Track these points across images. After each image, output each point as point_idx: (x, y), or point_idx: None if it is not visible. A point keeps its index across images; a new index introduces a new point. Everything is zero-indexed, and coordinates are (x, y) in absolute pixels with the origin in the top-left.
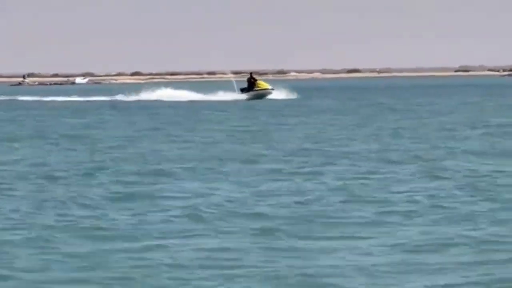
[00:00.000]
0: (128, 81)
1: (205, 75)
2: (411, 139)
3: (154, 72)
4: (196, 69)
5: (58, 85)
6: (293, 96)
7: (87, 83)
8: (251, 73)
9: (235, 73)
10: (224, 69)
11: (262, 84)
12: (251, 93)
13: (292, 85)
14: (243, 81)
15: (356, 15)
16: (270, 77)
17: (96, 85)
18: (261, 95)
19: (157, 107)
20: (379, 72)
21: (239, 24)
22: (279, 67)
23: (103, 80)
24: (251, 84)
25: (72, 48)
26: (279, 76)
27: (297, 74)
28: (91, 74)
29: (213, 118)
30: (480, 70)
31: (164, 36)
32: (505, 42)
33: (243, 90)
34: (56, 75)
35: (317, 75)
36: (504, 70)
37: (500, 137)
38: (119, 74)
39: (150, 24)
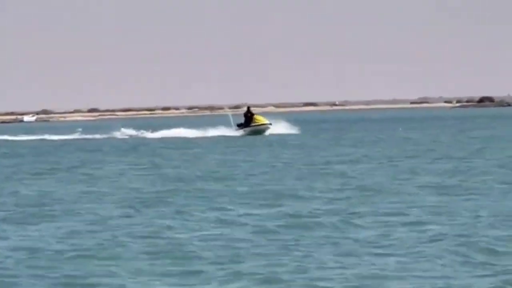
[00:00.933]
0: (80, 118)
1: (158, 111)
2: None
3: (111, 108)
4: (152, 105)
5: (6, 123)
6: (294, 130)
7: (36, 120)
8: (248, 107)
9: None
10: (179, 104)
11: (260, 118)
12: (248, 128)
13: None
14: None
15: (312, 49)
16: (229, 111)
17: (45, 123)
18: (259, 131)
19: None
20: (337, 105)
21: (193, 58)
22: (236, 101)
23: (51, 118)
24: (248, 118)
25: (27, 85)
26: (235, 111)
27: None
28: (46, 112)
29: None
30: (439, 101)
31: (120, 72)
32: (466, 72)
33: (240, 126)
34: (12, 113)
35: (270, 108)
36: (458, 102)
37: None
38: (76, 111)
39: (105, 60)
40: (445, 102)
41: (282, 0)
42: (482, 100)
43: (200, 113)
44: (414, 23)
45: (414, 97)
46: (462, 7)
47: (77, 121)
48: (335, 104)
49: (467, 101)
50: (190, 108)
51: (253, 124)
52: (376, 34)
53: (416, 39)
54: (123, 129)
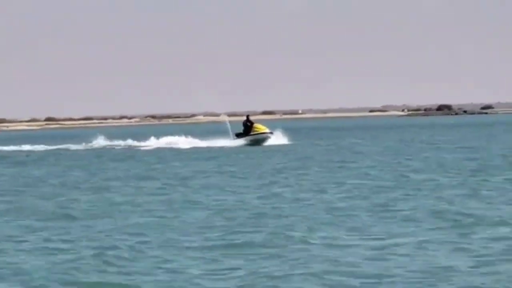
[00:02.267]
0: (23, 127)
1: (117, 119)
2: None
3: (69, 117)
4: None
5: None
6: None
7: None
8: (247, 116)
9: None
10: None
11: (260, 127)
12: (248, 138)
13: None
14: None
15: (271, 57)
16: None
17: None
18: (259, 140)
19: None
20: (300, 113)
21: (151, 70)
22: (189, 111)
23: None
24: (248, 127)
25: None
26: (189, 120)
27: (204, 117)
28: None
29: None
30: (399, 109)
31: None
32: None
33: (238, 135)
34: None
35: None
36: (409, 110)
37: None
38: (32, 120)
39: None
40: (403, 110)
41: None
42: (440, 108)
43: (164, 121)
44: (383, 31)
45: (378, 105)
46: (427, 14)
47: (20, 130)
48: (297, 113)
49: (425, 109)
50: (153, 116)
51: (252, 133)
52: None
53: (383, 47)
54: (100, 138)
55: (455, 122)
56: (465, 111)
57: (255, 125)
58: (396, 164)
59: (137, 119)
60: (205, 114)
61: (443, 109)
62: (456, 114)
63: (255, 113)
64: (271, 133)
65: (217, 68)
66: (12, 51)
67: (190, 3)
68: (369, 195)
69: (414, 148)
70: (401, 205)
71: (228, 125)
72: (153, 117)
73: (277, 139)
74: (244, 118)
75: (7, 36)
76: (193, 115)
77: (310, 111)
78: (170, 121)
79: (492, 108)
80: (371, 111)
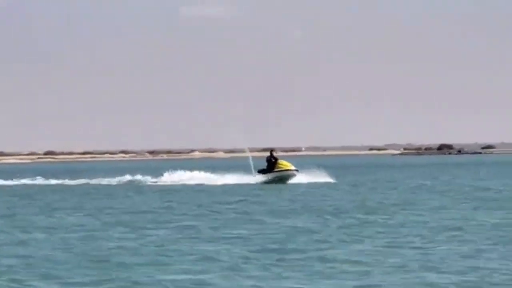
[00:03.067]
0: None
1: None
2: None
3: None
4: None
5: None
6: (330, 179)
7: None
8: (271, 150)
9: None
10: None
11: (284, 164)
12: (271, 174)
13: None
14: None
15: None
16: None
17: None
18: (283, 178)
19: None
20: (303, 150)
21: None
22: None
23: None
24: (271, 164)
25: None
26: (184, 155)
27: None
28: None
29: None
30: (399, 148)
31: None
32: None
33: (261, 172)
34: None
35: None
36: (405, 149)
37: None
38: (31, 154)
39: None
40: (404, 149)
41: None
42: (441, 147)
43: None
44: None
45: (381, 143)
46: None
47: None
48: (300, 150)
49: (425, 149)
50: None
51: (277, 170)
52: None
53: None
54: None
55: (439, 162)
56: (459, 151)
57: (280, 161)
58: None
59: (133, 154)
60: (206, 150)
61: (444, 148)
62: (450, 154)
63: (254, 150)
64: (296, 170)
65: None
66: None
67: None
68: None
69: None
70: None
71: (251, 160)
72: (151, 152)
73: (307, 177)
74: (268, 154)
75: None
76: (192, 151)
77: (310, 148)
78: (165, 156)
79: (493, 147)
80: (370, 149)
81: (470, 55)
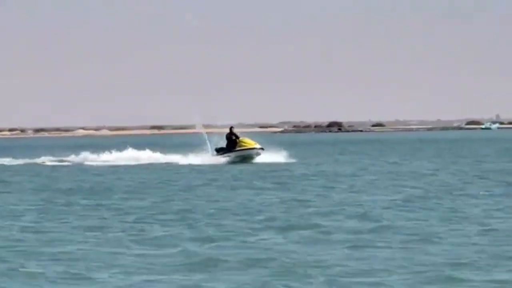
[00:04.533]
0: None
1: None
2: None
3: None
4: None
5: None
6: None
7: None
8: (231, 127)
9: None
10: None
11: (248, 142)
12: (233, 154)
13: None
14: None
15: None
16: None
17: None
18: (247, 157)
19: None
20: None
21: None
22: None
23: None
24: (232, 142)
25: None
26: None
27: (84, 131)
28: None
29: None
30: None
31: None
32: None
33: (219, 151)
34: None
35: (104, 131)
36: (289, 127)
37: None
38: None
39: None
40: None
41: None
42: (330, 124)
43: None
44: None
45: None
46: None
47: None
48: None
49: (315, 126)
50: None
51: (239, 148)
52: None
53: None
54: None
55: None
56: (339, 129)
57: (242, 139)
58: None
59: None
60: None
61: (334, 125)
62: (330, 131)
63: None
64: (262, 148)
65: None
66: None
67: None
68: None
69: None
70: None
71: (206, 137)
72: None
73: (272, 155)
74: (227, 130)
75: None
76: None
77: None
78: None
79: (383, 125)
80: (260, 127)
81: (365, 31)
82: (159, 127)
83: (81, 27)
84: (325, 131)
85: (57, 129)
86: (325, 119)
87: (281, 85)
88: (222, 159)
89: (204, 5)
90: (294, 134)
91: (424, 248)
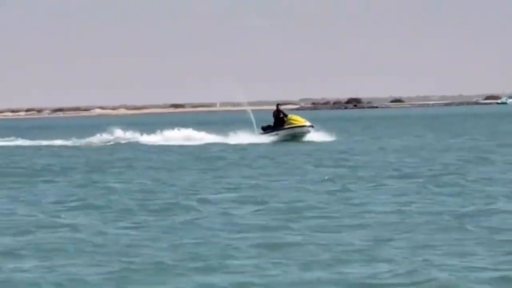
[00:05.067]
0: None
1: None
2: None
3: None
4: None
5: None
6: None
7: None
8: (277, 105)
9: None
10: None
11: (297, 119)
12: (283, 132)
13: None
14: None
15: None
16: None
17: None
18: (297, 135)
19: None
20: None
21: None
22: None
23: None
24: (280, 120)
25: None
26: (83, 113)
27: (101, 110)
28: None
29: None
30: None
31: None
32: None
33: (266, 129)
34: None
35: (122, 110)
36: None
37: None
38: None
39: None
40: (313, 103)
41: None
42: (349, 101)
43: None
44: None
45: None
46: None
47: None
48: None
49: (334, 103)
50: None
51: (288, 126)
52: None
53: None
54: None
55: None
56: (354, 106)
57: (291, 116)
58: None
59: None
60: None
61: (352, 102)
62: (346, 108)
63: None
64: (311, 126)
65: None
66: None
67: None
68: None
69: None
70: None
71: (252, 116)
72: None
73: (321, 134)
74: (274, 108)
75: None
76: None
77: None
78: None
79: (402, 101)
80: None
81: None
82: (179, 105)
83: (96, 8)
84: (341, 108)
85: (76, 109)
86: (346, 95)
87: (302, 63)
88: (270, 137)
89: None
90: (309, 111)
91: None
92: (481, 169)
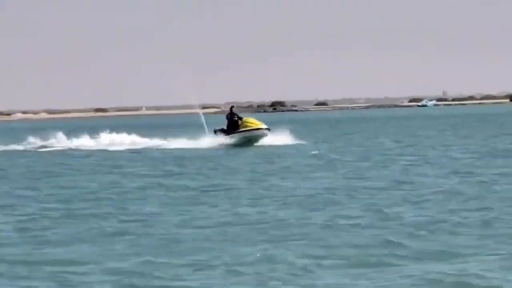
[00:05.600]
0: None
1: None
2: None
3: None
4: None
5: None
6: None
7: None
8: (231, 107)
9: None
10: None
11: (252, 121)
12: (238, 135)
13: None
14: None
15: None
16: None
17: None
18: (253, 138)
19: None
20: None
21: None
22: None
23: None
24: (234, 122)
25: None
26: (4, 118)
27: (22, 115)
28: None
29: None
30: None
31: None
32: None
33: (219, 132)
34: None
35: (43, 115)
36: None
37: None
38: None
39: None
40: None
41: None
42: (273, 104)
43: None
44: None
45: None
46: None
47: None
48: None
49: (258, 106)
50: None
51: (244, 129)
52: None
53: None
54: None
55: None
56: (274, 109)
57: (246, 119)
58: None
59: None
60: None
61: (276, 105)
62: (265, 111)
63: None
64: (268, 129)
65: None
66: None
67: None
68: None
69: None
70: None
71: (203, 118)
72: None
73: (278, 137)
74: (227, 110)
75: None
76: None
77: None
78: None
79: (326, 104)
80: (203, 108)
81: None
82: (102, 109)
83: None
84: (260, 112)
85: None
86: (273, 98)
87: (229, 66)
88: (224, 141)
89: None
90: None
91: None
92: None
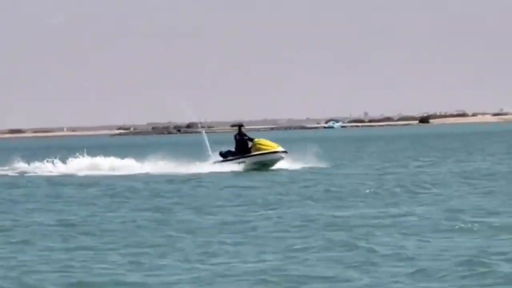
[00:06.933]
0: None
1: None
2: None
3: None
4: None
5: None
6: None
7: None
8: (240, 126)
9: None
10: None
11: (267, 143)
12: (250, 159)
13: None
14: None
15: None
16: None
17: None
18: (268, 162)
19: None
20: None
21: None
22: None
23: None
24: (244, 144)
25: None
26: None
27: None
28: None
29: None
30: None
31: None
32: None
33: (226, 155)
34: None
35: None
36: (135, 129)
37: None
38: None
39: None
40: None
41: None
42: (189, 125)
43: None
44: None
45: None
46: None
47: None
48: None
49: (174, 127)
50: None
51: (258, 153)
52: None
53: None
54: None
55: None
56: (178, 130)
57: (258, 140)
58: None
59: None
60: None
61: (193, 126)
62: (170, 133)
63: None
64: (285, 151)
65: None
66: None
67: None
68: None
69: None
70: None
71: (206, 138)
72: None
73: (298, 160)
74: (235, 130)
75: None
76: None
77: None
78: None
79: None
80: (118, 128)
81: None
82: (18, 131)
83: None
84: (164, 133)
85: None
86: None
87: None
88: (235, 166)
89: None
90: (130, 136)
91: None
92: None
